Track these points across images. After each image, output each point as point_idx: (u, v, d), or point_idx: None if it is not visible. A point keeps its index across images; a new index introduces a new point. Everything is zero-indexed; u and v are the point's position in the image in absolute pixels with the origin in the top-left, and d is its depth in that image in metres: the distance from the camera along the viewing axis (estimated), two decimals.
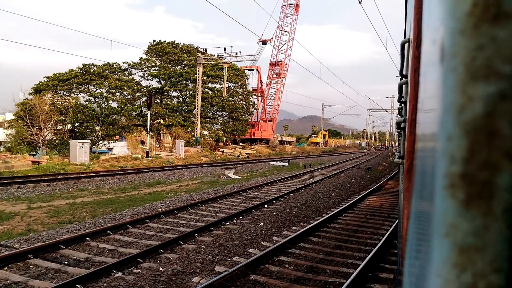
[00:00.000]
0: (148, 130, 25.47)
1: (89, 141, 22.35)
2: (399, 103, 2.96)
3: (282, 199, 12.51)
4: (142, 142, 25.80)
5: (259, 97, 50.61)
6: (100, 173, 18.60)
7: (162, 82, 36.99)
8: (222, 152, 34.20)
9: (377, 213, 11.18)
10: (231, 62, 30.29)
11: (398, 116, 3.14)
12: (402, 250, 1.42)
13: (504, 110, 0.36)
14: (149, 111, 25.70)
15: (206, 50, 30.75)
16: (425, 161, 0.64)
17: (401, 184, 2.90)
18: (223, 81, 39.06)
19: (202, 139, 32.82)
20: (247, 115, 39.81)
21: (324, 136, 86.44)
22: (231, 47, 28.70)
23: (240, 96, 39.32)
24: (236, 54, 29.95)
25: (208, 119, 34.61)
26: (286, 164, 29.46)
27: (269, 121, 55.72)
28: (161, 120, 32.98)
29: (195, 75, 35.97)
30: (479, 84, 0.37)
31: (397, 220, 9.49)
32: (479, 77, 0.37)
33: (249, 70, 48.99)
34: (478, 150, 0.37)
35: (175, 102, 34.80)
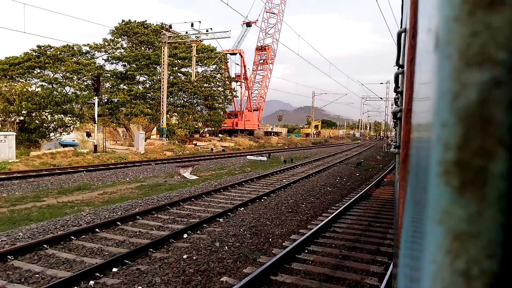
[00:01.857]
0: (96, 119, 21.29)
1: (14, 133, 18.17)
2: (395, 93, 2.96)
3: (222, 219, 8.50)
4: (88, 135, 21.65)
5: (243, 84, 46.37)
6: (13, 175, 14.49)
7: (128, 65, 32.68)
8: (195, 145, 30.10)
9: (360, 243, 7.23)
10: (200, 40, 26.09)
11: (395, 106, 3.07)
12: (398, 236, 1.47)
13: (498, 97, 0.36)
14: (96, 97, 21.48)
15: (171, 26, 26.36)
16: (420, 149, 0.64)
17: (397, 174, 2.83)
18: (197, 63, 34.78)
19: (169, 130, 28.66)
20: (226, 103, 35.57)
21: (316, 127, 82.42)
22: (199, 22, 24.44)
23: (218, 82, 35.03)
24: (207, 30, 25.65)
25: (179, 108, 30.33)
26: (264, 158, 25.46)
27: (255, 110, 51.53)
28: (123, 109, 28.77)
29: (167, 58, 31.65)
30: (473, 71, 0.37)
31: (392, 265, 5.65)
32: (473, 64, 0.37)
33: (231, 54, 44.69)
34: (472, 137, 0.37)
35: (141, 88, 30.48)
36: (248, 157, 25.96)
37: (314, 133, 74.98)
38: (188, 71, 32.60)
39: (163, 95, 26.81)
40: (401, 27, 2.74)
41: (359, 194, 12.07)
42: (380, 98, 40.62)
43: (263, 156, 26.26)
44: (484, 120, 0.37)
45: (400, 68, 2.35)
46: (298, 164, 22.16)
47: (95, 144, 21.20)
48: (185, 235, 7.10)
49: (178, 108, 29.92)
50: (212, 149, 28.41)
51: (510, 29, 0.36)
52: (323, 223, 8.28)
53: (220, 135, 38.37)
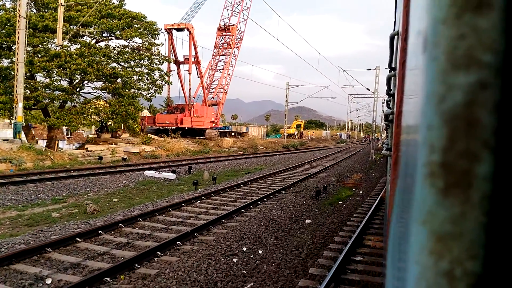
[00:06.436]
0: None
1: None
2: (387, 96, 3.03)
3: None
4: None
5: (194, 70, 36.18)
6: None
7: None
8: (87, 149, 19.88)
9: None
10: None
11: (387, 108, 3.12)
12: (387, 238, 1.49)
13: (484, 99, 0.36)
14: None
15: None
16: (408, 152, 0.64)
17: (388, 176, 2.89)
18: (112, 33, 24.61)
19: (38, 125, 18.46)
20: (153, 90, 25.35)
21: (298, 126, 72.32)
22: None
23: (141, 60, 24.72)
24: None
25: (58, 93, 19.84)
26: (172, 176, 15.42)
27: (213, 105, 41.42)
28: None
29: (56, 23, 21.30)
30: (460, 73, 0.37)
31: None
32: (460, 66, 0.37)
33: (177, 29, 34.57)
34: (458, 139, 0.37)
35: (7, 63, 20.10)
36: (146, 173, 15.86)
37: (295, 133, 65.06)
38: (84, 41, 22.18)
39: (17, 71, 16.57)
40: (394, 29, 2.76)
41: None
42: (367, 89, 31.01)
43: (173, 172, 16.17)
44: (470, 123, 0.36)
45: (392, 71, 2.48)
46: (216, 190, 12.12)
47: None
48: None
49: (56, 93, 19.48)
50: (100, 158, 18.19)
51: (496, 32, 0.36)
52: None
53: (153, 135, 28.15)
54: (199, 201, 10.50)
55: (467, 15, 0.36)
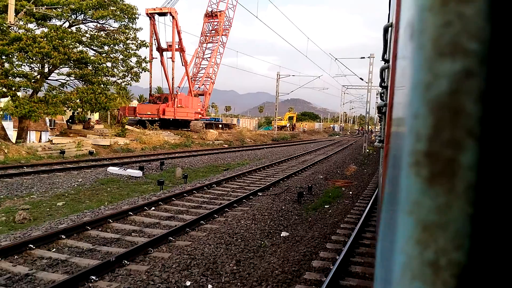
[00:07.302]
0: None
1: None
2: (381, 88, 3.00)
3: None
4: None
5: (178, 57, 34.02)
6: None
7: None
8: (51, 142, 17.89)
9: None
10: None
11: (380, 100, 3.12)
12: (377, 228, 1.50)
13: (469, 88, 0.36)
14: None
15: None
16: (397, 142, 0.65)
17: (381, 168, 2.89)
18: (88, 13, 22.43)
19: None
20: (128, 78, 23.28)
21: (291, 118, 70.41)
22: None
23: (116, 45, 22.61)
24: None
25: (19, 79, 17.75)
26: (138, 173, 13.57)
27: (199, 95, 39.36)
28: None
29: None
30: (445, 61, 0.37)
31: None
32: (445, 54, 0.37)
33: (159, 14, 32.33)
34: (443, 128, 0.37)
35: None
36: (110, 169, 13.98)
37: (288, 126, 63.19)
38: (55, 24, 19.99)
39: None
40: (388, 21, 2.78)
41: None
42: (361, 78, 29.24)
43: (140, 168, 14.29)
44: (455, 111, 0.36)
45: (386, 63, 2.48)
46: (180, 192, 10.29)
47: None
48: None
49: (18, 79, 17.35)
50: (62, 152, 16.24)
51: (482, 19, 0.35)
52: None
53: (129, 126, 26.15)
54: (153, 208, 8.66)
55: (453, 1, 0.36)
